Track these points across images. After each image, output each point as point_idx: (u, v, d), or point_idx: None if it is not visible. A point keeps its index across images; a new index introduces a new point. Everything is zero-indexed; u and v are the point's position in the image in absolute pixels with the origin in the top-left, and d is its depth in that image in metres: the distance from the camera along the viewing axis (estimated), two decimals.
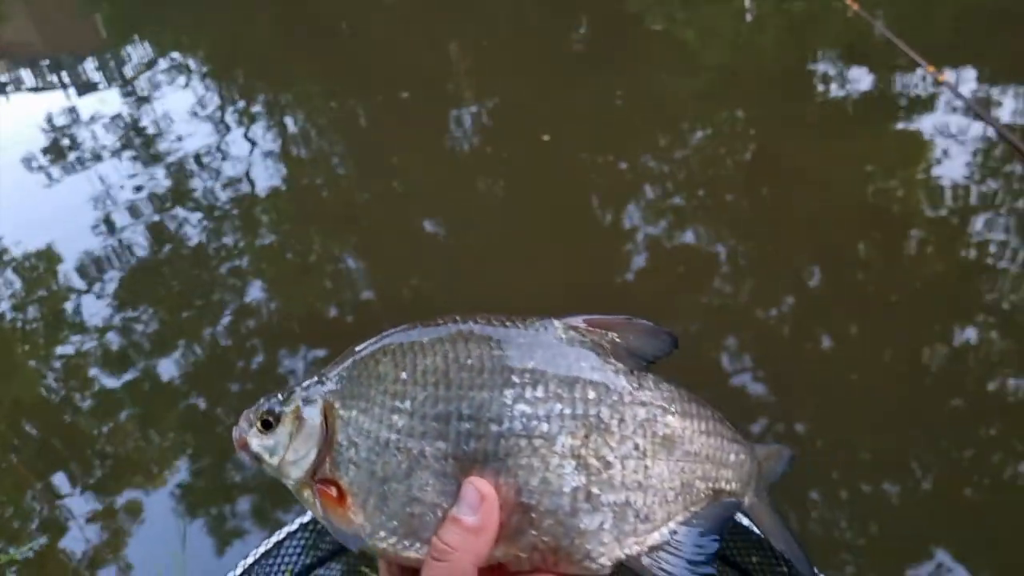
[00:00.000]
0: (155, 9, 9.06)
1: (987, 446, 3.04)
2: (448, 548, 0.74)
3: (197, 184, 5.43)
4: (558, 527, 0.76)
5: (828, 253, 3.90)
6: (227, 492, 3.26)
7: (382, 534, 0.77)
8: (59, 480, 3.44)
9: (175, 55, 7.69)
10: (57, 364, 4.10)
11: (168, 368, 3.89)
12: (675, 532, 0.82)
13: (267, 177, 5.42)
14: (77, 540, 3.15)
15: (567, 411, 0.76)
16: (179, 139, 5.98)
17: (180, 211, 5.14)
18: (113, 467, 3.48)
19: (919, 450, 3.02)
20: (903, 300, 3.60)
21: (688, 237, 4.20)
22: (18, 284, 4.78)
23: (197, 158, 5.70)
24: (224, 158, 5.69)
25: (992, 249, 3.84)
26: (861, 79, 5.33)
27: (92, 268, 4.71)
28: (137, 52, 8.10)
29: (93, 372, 3.97)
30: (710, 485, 0.85)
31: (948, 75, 4.87)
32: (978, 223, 4.00)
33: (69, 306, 4.49)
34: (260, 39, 7.87)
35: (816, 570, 0.90)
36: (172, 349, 4.00)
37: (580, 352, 0.79)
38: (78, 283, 4.63)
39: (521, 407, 0.76)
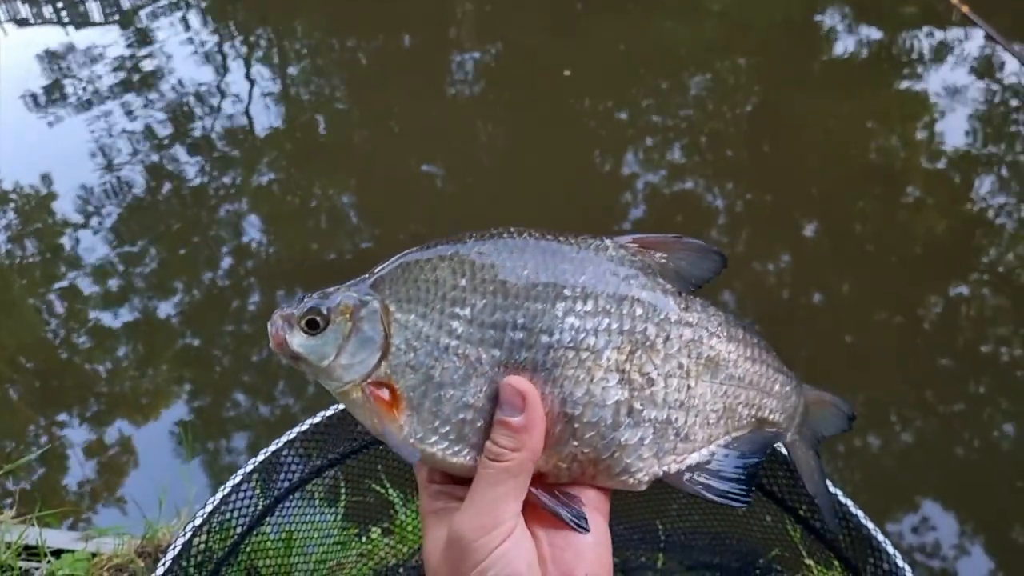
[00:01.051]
0: None
1: (976, 403, 3.08)
2: (503, 450, 0.75)
3: (196, 122, 5.39)
4: (599, 439, 0.78)
5: (826, 207, 3.89)
6: (223, 428, 3.30)
7: (433, 439, 0.77)
8: (58, 415, 3.48)
9: None
10: (55, 300, 4.11)
11: (165, 307, 3.90)
12: (715, 454, 0.83)
13: (266, 116, 5.38)
14: (76, 474, 3.19)
15: (614, 326, 0.78)
16: (178, 76, 5.91)
17: (179, 149, 5.10)
18: (111, 403, 3.51)
19: (908, 406, 3.06)
20: (900, 256, 3.61)
21: (688, 186, 4.19)
22: (15, 220, 4.77)
23: (196, 95, 5.64)
24: (224, 96, 5.63)
25: (992, 207, 3.84)
26: (868, 34, 5.26)
27: (90, 204, 4.69)
28: None
29: (91, 309, 3.98)
30: (753, 412, 0.86)
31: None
32: (978, 181, 4.00)
33: (66, 242, 4.49)
34: None
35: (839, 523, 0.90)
36: (170, 288, 4.02)
37: (630, 271, 0.80)
38: (76, 219, 4.62)
39: (571, 320, 0.77)
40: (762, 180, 4.13)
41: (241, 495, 1.28)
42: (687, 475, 0.82)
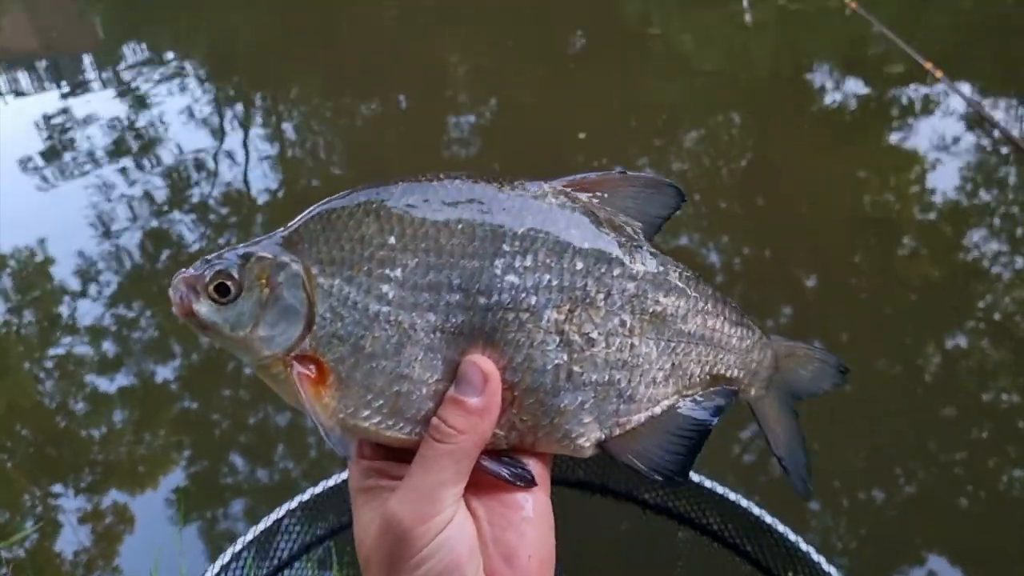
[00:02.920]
0: (153, 10, 9.06)
1: (981, 453, 3.05)
2: (452, 431, 0.70)
3: (193, 187, 5.43)
4: (538, 406, 0.72)
5: (822, 259, 3.91)
6: (221, 495, 3.26)
7: (365, 413, 0.71)
8: (53, 483, 3.43)
9: (172, 57, 7.69)
10: (51, 366, 4.09)
11: (163, 371, 3.88)
12: (660, 415, 0.77)
13: (264, 180, 5.42)
14: (70, 542, 3.14)
15: (554, 283, 0.72)
16: (176, 141, 5.97)
17: (176, 213, 5.13)
18: (107, 470, 3.47)
19: (913, 457, 3.03)
20: (897, 307, 3.61)
21: (683, 241, 4.21)
22: (13, 286, 4.77)
23: (194, 160, 5.69)
24: (221, 161, 5.68)
25: (986, 256, 3.85)
26: (857, 87, 5.34)
27: (88, 270, 4.69)
28: (135, 53, 8.10)
29: (87, 374, 3.96)
30: (707, 369, 0.79)
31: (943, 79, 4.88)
32: (972, 230, 4.02)
33: (64, 309, 4.48)
34: (258, 41, 7.87)
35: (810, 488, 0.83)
36: (167, 352, 4.00)
37: (571, 218, 0.73)
38: (74, 285, 4.61)
39: (510, 278, 0.71)
40: (757, 234, 4.15)
41: (240, 563, 1.26)
42: (622, 441, 0.75)
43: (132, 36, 8.45)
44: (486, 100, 6.10)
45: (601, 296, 0.73)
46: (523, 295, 0.71)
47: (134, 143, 6.05)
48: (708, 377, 0.79)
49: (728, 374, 0.81)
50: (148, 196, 5.32)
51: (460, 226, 0.70)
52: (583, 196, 0.75)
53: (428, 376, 0.70)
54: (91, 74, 7.72)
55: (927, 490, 2.95)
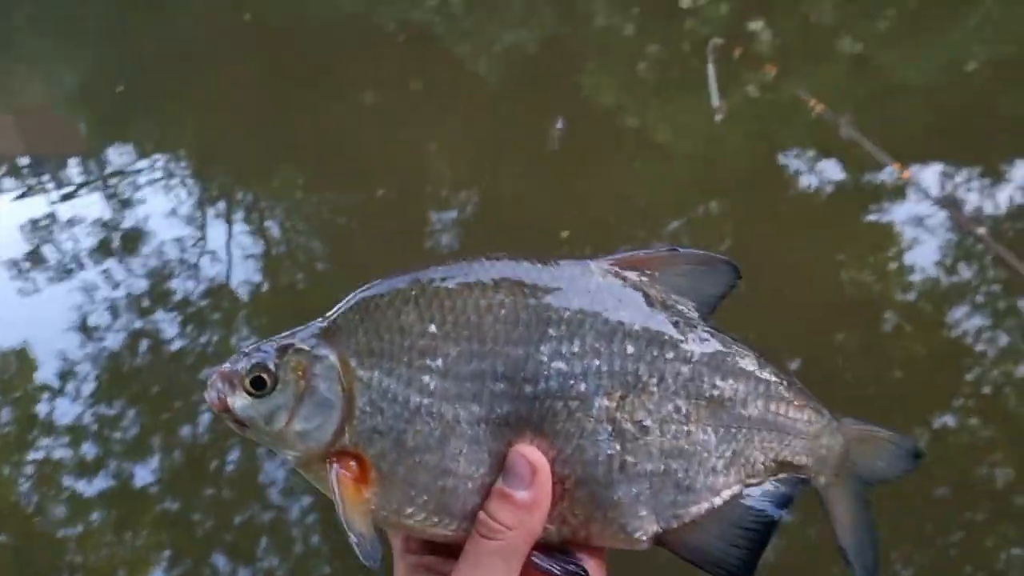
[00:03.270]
0: (138, 111, 9.20)
1: (978, 533, 3.01)
2: (500, 526, 0.66)
3: (176, 284, 5.42)
4: (590, 499, 0.69)
5: (807, 342, 3.92)
6: None
7: (410, 510, 0.68)
8: None
9: (157, 156, 7.78)
10: (30, 469, 4.00)
11: (143, 472, 3.81)
12: (721, 506, 0.73)
13: (247, 276, 5.43)
14: None
15: (604, 368, 0.68)
16: (159, 239, 5.99)
17: (159, 312, 5.11)
18: (86, 573, 3.36)
19: (908, 540, 2.98)
20: (883, 386, 3.61)
21: None
22: None
23: (177, 258, 5.70)
24: (204, 258, 5.69)
25: (969, 333, 3.87)
26: (831, 173, 5.45)
27: (68, 370, 4.64)
28: (119, 153, 8.19)
29: (66, 476, 3.88)
30: (771, 456, 0.74)
31: (913, 171, 5.01)
32: (953, 308, 4.05)
33: (43, 408, 4.41)
34: (242, 138, 7.98)
35: None
36: (148, 451, 3.93)
37: (620, 298, 0.70)
38: (54, 385, 4.56)
39: (557, 364, 0.68)
40: (740, 319, 4.14)
41: None
42: (682, 535, 0.71)
43: (116, 137, 8.55)
44: (468, 194, 6.19)
45: (654, 381, 0.70)
46: (571, 382, 0.68)
47: (118, 243, 6.07)
48: (773, 464, 0.75)
49: (795, 461, 0.76)
50: (131, 295, 5.31)
51: (503, 311, 0.68)
52: (631, 274, 0.72)
53: (474, 470, 0.68)
54: (75, 175, 7.78)
55: (924, 574, 2.90)
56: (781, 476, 0.75)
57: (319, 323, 0.72)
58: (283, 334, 0.72)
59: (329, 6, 12.25)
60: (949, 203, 3.52)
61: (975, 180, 5.08)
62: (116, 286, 5.43)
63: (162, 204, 6.52)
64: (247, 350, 0.72)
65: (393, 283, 0.71)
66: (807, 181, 5.46)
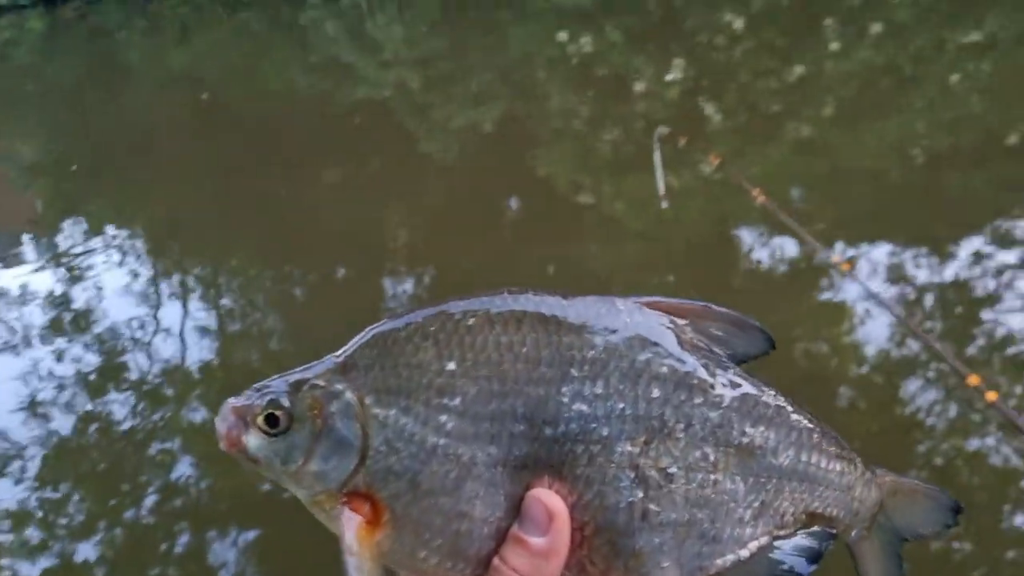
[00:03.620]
0: (92, 184, 9.15)
1: None
2: (515, 573, 0.64)
3: (128, 360, 5.32)
4: (610, 547, 0.66)
5: None
6: None
7: (423, 554, 0.65)
8: None
9: (112, 233, 7.71)
10: None
11: (86, 549, 3.68)
12: (748, 559, 0.69)
13: (200, 353, 5.35)
14: None
15: (628, 411, 0.65)
16: (111, 316, 5.89)
17: (110, 389, 5.00)
18: None
19: None
20: None
21: None
22: None
23: (130, 335, 5.61)
24: (157, 334, 5.61)
25: (921, 408, 3.93)
26: (783, 248, 5.57)
27: (12, 451, 4.50)
28: (73, 228, 8.10)
29: (6, 559, 3.72)
30: (801, 508, 0.71)
31: (860, 251, 5.15)
32: (906, 382, 4.12)
33: None
34: (200, 216, 7.96)
35: None
36: (93, 532, 3.80)
37: (647, 339, 0.67)
38: None
39: (579, 406, 0.65)
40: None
41: None
42: None
43: (71, 211, 8.48)
44: (424, 270, 6.20)
45: (681, 426, 0.66)
46: (593, 425, 0.65)
47: (69, 320, 5.95)
48: (803, 516, 0.72)
49: (826, 513, 0.73)
50: (80, 374, 5.20)
51: (524, 349, 0.65)
52: (660, 315, 0.70)
53: (489, 513, 0.65)
54: (28, 251, 7.66)
55: None
56: (811, 529, 0.73)
57: (334, 358, 0.69)
58: (296, 369, 0.69)
59: (288, 86, 12.43)
60: (883, 299, 3.62)
61: (917, 263, 5.23)
62: (66, 364, 5.32)
63: (115, 281, 6.44)
64: (259, 386, 0.68)
65: (411, 318, 0.68)
66: (757, 261, 5.57)
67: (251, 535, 3.62)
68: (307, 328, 5.55)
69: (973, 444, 3.67)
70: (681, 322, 0.69)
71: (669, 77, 9.78)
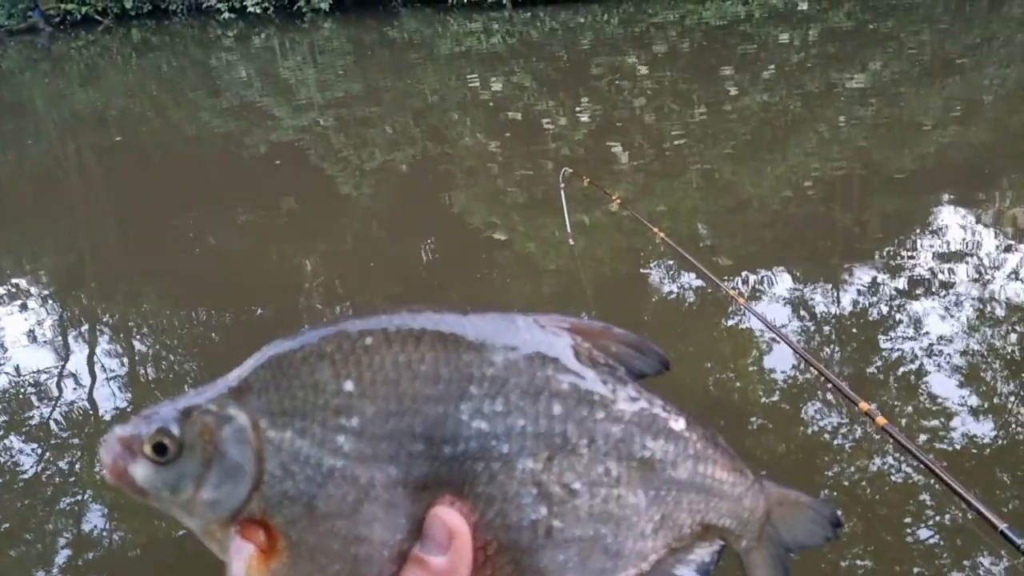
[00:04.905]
0: None
1: None
2: None
3: (33, 411, 5.16)
4: (514, 566, 0.65)
5: None
6: None
7: None
8: None
9: (14, 279, 7.47)
10: None
11: None
12: (649, 572, 0.69)
13: (111, 400, 5.22)
14: None
15: (529, 428, 0.64)
16: (15, 364, 5.71)
17: (13, 440, 4.83)
18: None
19: None
20: None
21: None
22: None
23: (34, 384, 5.43)
24: (64, 382, 5.45)
25: (826, 429, 4.12)
26: (690, 282, 5.77)
27: None
28: None
29: None
30: (698, 519, 0.71)
31: (760, 294, 5.37)
32: (809, 405, 4.31)
33: None
34: (106, 258, 7.78)
35: None
36: None
37: (547, 356, 0.66)
38: None
39: (479, 424, 0.63)
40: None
41: None
42: None
43: None
44: (341, 308, 6.20)
45: (584, 442, 0.65)
46: (494, 443, 0.63)
47: None
48: (699, 528, 0.72)
49: (720, 523, 0.73)
50: None
51: (423, 367, 0.64)
52: (560, 333, 0.68)
53: (390, 536, 0.63)
54: None
55: None
56: (704, 541, 0.73)
57: (227, 381, 0.65)
58: (188, 394, 0.66)
59: (201, 127, 12.29)
60: (778, 330, 3.82)
61: (813, 292, 5.48)
62: None
63: (20, 328, 6.24)
64: (147, 413, 0.65)
65: (306, 338, 0.65)
66: (664, 294, 5.75)
67: None
68: (224, 370, 5.45)
69: (875, 464, 3.86)
70: (580, 340, 0.68)
71: (579, 116, 10.05)
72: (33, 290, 7.18)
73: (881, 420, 2.56)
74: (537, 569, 0.65)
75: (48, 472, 4.53)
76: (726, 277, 5.57)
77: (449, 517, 0.62)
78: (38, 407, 5.20)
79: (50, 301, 6.93)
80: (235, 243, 7.57)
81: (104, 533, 3.98)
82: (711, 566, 0.72)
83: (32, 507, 4.26)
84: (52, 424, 4.99)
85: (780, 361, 4.68)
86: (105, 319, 6.59)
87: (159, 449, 0.62)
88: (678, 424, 0.69)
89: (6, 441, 4.83)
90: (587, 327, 0.68)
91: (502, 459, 0.63)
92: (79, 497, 4.32)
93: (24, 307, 6.70)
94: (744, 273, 5.73)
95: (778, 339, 4.77)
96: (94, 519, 4.07)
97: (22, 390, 5.39)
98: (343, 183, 8.94)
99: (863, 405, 2.63)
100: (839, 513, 0.78)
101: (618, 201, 5.48)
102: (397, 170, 9.23)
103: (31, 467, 4.57)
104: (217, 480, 0.62)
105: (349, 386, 0.63)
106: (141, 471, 0.63)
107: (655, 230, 4.44)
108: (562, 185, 5.79)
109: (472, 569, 0.63)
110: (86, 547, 3.90)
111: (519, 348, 0.65)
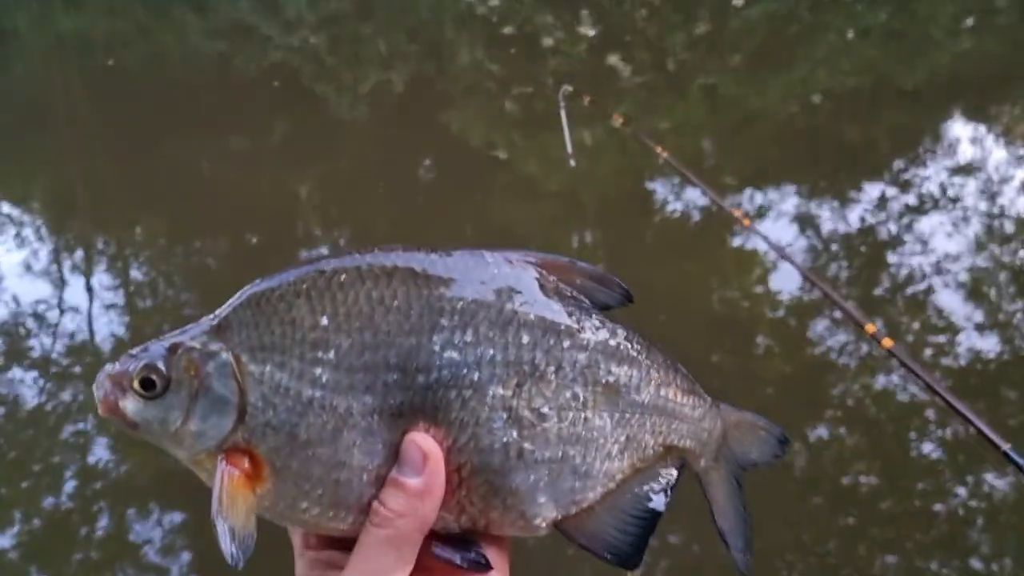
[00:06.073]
0: None
1: (850, 539, 3.15)
2: (391, 514, 0.66)
3: (33, 341, 5.12)
4: (487, 487, 0.69)
5: (684, 362, 4.03)
6: None
7: (304, 505, 0.68)
8: None
9: (6, 207, 7.37)
10: None
11: (3, 542, 3.55)
12: (615, 491, 0.74)
13: (109, 328, 5.18)
14: None
15: (499, 357, 0.69)
16: (12, 295, 5.66)
17: (15, 371, 4.81)
18: None
19: (789, 550, 3.09)
20: (759, 403, 3.74)
21: None
22: None
23: (32, 314, 5.39)
24: (62, 312, 5.41)
25: (832, 348, 4.08)
26: (695, 199, 5.67)
27: None
28: None
29: None
30: (660, 440, 0.76)
31: (765, 213, 5.27)
32: (814, 324, 4.26)
33: None
34: (99, 186, 7.66)
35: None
36: (7, 522, 3.67)
37: (515, 288, 0.71)
38: None
39: (450, 354, 0.68)
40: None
41: None
42: (580, 520, 0.72)
43: None
44: (339, 232, 6.12)
45: (551, 369, 0.70)
46: (464, 371, 0.68)
47: None
48: (661, 449, 0.76)
49: (680, 444, 0.78)
50: None
51: (396, 302, 0.68)
52: (527, 268, 0.73)
53: (368, 461, 0.67)
54: None
55: None
56: (666, 462, 0.77)
57: (209, 320, 0.70)
58: (172, 333, 0.70)
59: (189, 50, 12.00)
60: (784, 251, 3.72)
61: (820, 210, 5.40)
62: None
63: (14, 259, 6.17)
64: (135, 351, 0.69)
65: (284, 277, 0.70)
66: (668, 213, 5.66)
67: (176, 517, 3.55)
68: (222, 297, 5.37)
69: (880, 382, 3.83)
70: (547, 273, 0.72)
71: (579, 30, 9.79)
72: (26, 218, 7.09)
73: (887, 342, 2.50)
74: (510, 489, 0.69)
75: (51, 402, 4.53)
76: (731, 195, 5.47)
77: (423, 441, 0.67)
78: (37, 336, 5.17)
79: (43, 230, 6.85)
80: (228, 168, 7.44)
81: (110, 463, 3.99)
82: (673, 487, 0.77)
83: (37, 437, 4.26)
84: (52, 354, 4.96)
85: (786, 281, 4.62)
86: (100, 247, 6.51)
87: (147, 384, 0.68)
88: (640, 351, 0.75)
89: (8, 372, 4.81)
90: (553, 261, 0.73)
91: (473, 386, 0.68)
92: (83, 427, 4.32)
93: (19, 236, 6.62)
94: (749, 191, 5.63)
95: (780, 261, 4.71)
96: (99, 450, 4.07)
97: (20, 320, 5.35)
98: (336, 105, 8.75)
99: (869, 327, 2.57)
100: (786, 433, 0.84)
101: (620, 120, 5.33)
102: (392, 90, 9.03)
103: (33, 397, 4.56)
104: (203, 412, 0.67)
105: (325, 321, 0.67)
106: (131, 405, 0.68)
107: (658, 150, 4.31)
108: (562, 104, 5.61)
109: (448, 490, 0.68)
110: (92, 477, 3.90)
111: (487, 282, 0.70)
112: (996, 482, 3.25)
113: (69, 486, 3.86)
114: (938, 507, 3.24)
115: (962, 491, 3.27)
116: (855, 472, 3.43)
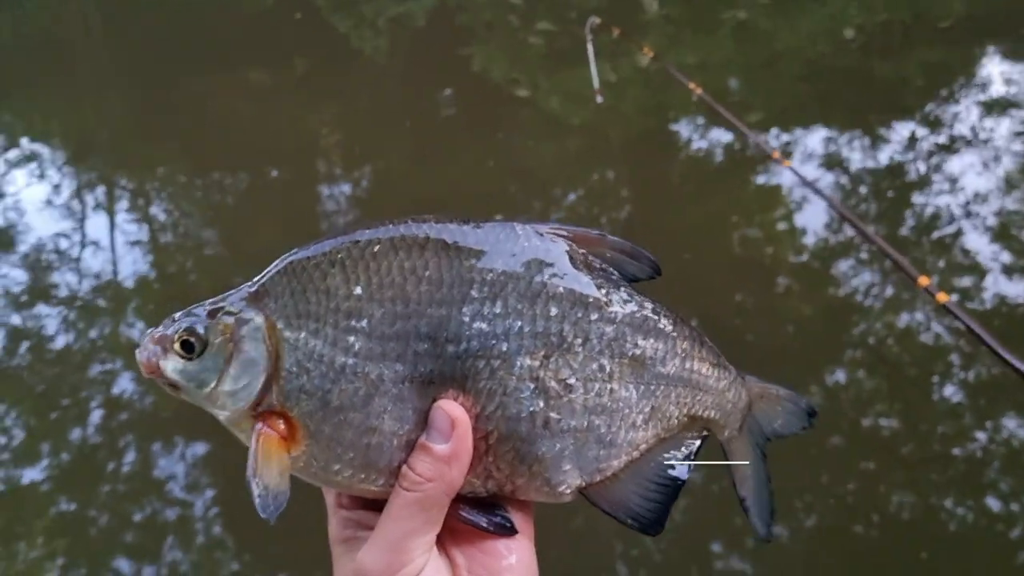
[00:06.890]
0: (2, 96, 8.69)
1: (869, 480, 3.15)
2: (420, 478, 0.69)
3: (57, 277, 5.16)
4: (514, 454, 0.72)
5: (706, 302, 4.00)
6: None
7: (336, 467, 0.71)
8: None
9: (26, 142, 7.37)
10: None
11: (33, 474, 3.62)
12: (639, 460, 0.76)
13: (132, 265, 5.20)
14: None
15: (527, 328, 0.71)
16: (36, 233, 5.69)
17: (41, 307, 4.86)
18: None
19: (808, 491, 3.10)
20: (780, 344, 3.73)
21: None
22: None
23: (56, 251, 5.42)
24: (85, 248, 5.44)
25: (857, 289, 4.03)
26: (719, 137, 5.58)
27: None
28: None
29: None
30: (684, 411, 0.78)
31: (796, 150, 5.16)
32: (839, 264, 4.21)
33: None
34: (118, 122, 7.65)
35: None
36: (37, 454, 3.74)
37: (545, 261, 0.73)
38: None
39: (479, 325, 0.70)
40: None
41: None
42: (605, 488, 0.75)
43: None
44: (360, 169, 6.08)
45: (579, 341, 0.72)
46: (493, 342, 0.70)
47: None
48: (685, 419, 0.79)
49: (705, 415, 0.80)
50: (7, 291, 5.03)
51: (427, 272, 0.71)
52: (557, 240, 0.74)
53: (398, 427, 0.70)
54: None
55: (825, 521, 3.02)
56: (690, 431, 0.79)
57: (248, 287, 0.74)
58: (215, 298, 0.74)
59: None
60: (822, 190, 3.64)
61: (851, 148, 5.29)
62: None
63: (37, 196, 6.19)
64: (178, 315, 0.74)
65: (320, 246, 0.73)
66: (693, 152, 5.57)
67: (199, 449, 3.60)
68: (243, 234, 5.43)
69: (902, 321, 3.80)
70: (576, 246, 0.74)
71: None
72: (46, 154, 7.09)
73: (942, 296, 2.40)
74: (536, 456, 0.72)
75: (76, 338, 4.58)
76: (758, 133, 5.38)
77: (451, 408, 0.69)
78: (61, 272, 5.21)
79: (64, 168, 6.85)
80: (247, 104, 7.39)
81: (135, 396, 4.04)
82: (696, 453, 0.79)
83: (64, 374, 4.31)
84: (77, 290, 5.00)
85: (810, 220, 4.55)
86: (122, 183, 6.52)
87: (186, 346, 0.72)
88: (667, 324, 0.77)
89: (33, 309, 4.86)
90: (583, 234, 0.75)
91: (502, 357, 0.70)
92: (108, 364, 4.37)
93: (39, 175, 6.64)
94: (778, 128, 5.53)
95: (809, 199, 4.64)
96: (123, 383, 4.12)
97: (44, 256, 5.39)
98: (356, 39, 8.62)
99: (922, 280, 2.48)
100: (814, 404, 0.85)
101: (650, 54, 5.19)
102: (413, 24, 8.89)
103: (59, 334, 4.61)
104: (236, 373, 0.71)
105: (359, 290, 0.70)
106: (171, 365, 0.72)
107: (691, 86, 4.21)
108: (589, 37, 5.45)
109: (475, 456, 0.71)
110: (117, 410, 3.96)
111: (518, 254, 0.72)
112: (1018, 430, 3.23)
113: (96, 416, 3.93)
114: (956, 451, 3.23)
115: (982, 435, 3.26)
116: (875, 414, 3.42)
